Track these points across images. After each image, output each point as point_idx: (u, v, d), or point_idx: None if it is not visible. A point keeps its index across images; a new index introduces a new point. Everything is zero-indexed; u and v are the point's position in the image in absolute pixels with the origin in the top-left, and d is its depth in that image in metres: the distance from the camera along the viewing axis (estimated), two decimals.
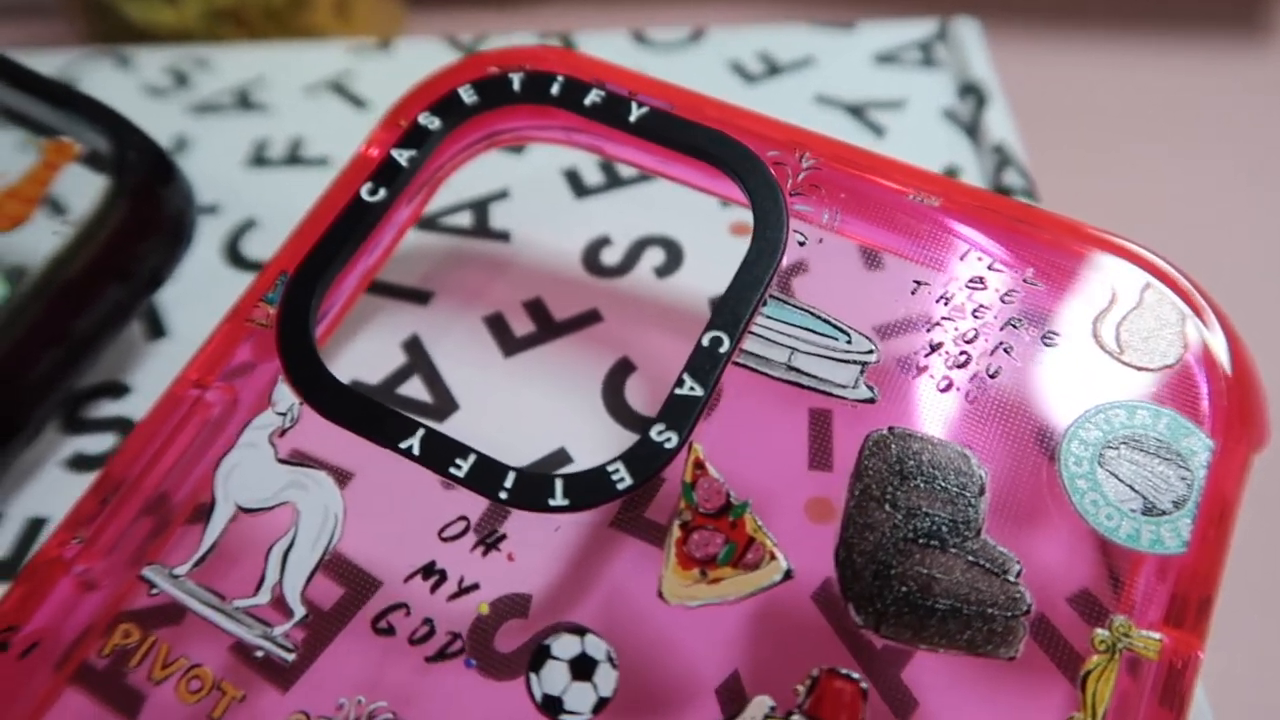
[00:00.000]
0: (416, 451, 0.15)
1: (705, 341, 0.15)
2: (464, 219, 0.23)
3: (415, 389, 0.20)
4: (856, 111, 0.26)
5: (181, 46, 0.30)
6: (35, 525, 0.18)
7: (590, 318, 0.21)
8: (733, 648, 0.15)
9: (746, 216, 0.23)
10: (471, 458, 0.15)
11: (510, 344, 0.20)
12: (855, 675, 0.13)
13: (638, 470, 0.14)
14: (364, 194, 0.17)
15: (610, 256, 0.22)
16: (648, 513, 0.16)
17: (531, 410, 0.19)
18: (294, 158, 0.25)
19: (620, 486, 0.14)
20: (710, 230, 0.23)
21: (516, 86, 0.18)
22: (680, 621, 0.14)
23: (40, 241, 0.18)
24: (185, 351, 0.21)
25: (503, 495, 0.14)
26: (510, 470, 0.15)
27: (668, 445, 0.15)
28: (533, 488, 0.14)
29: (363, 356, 0.20)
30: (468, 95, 0.18)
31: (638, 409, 0.19)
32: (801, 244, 0.16)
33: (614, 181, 0.24)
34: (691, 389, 0.15)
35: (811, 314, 0.16)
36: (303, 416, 0.16)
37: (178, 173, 0.19)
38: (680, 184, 0.19)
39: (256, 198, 0.24)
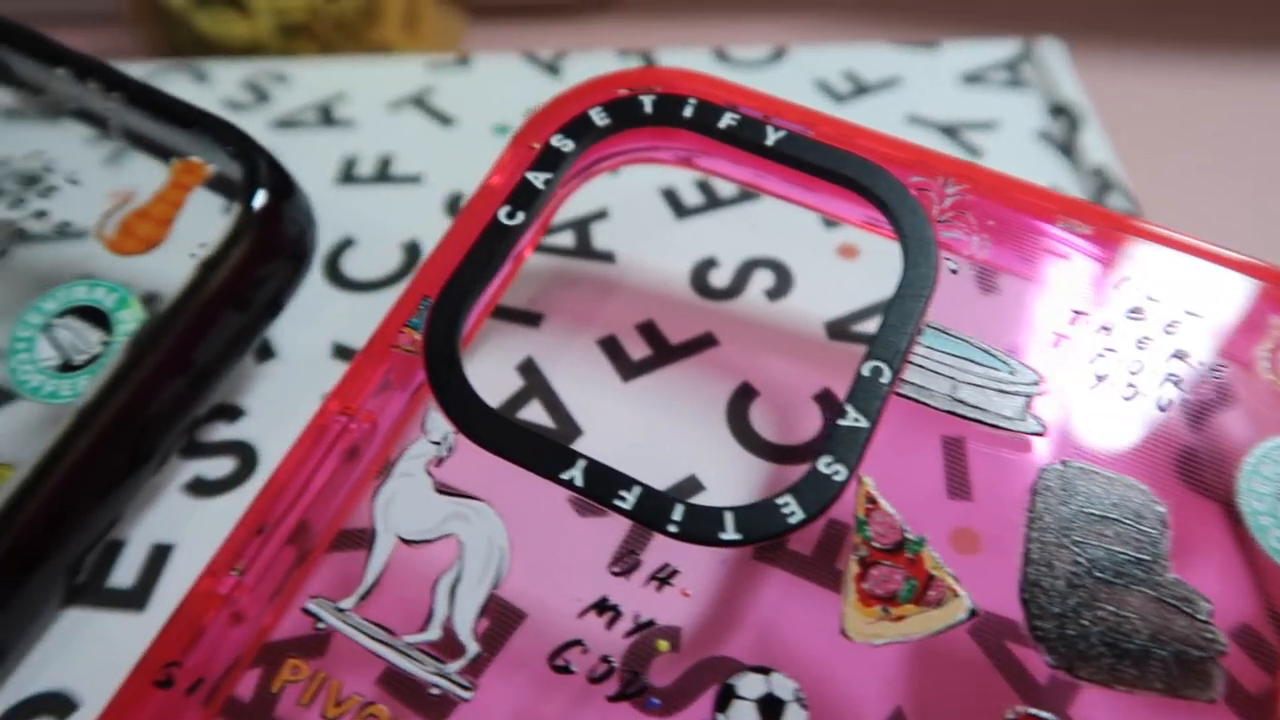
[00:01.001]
0: (580, 483, 0.14)
1: (865, 372, 0.15)
2: (566, 239, 0.23)
3: (536, 413, 0.19)
4: (950, 132, 0.26)
5: (257, 60, 0.29)
6: (161, 552, 0.18)
7: (705, 341, 0.21)
8: (893, 684, 0.14)
9: (853, 237, 0.23)
10: (636, 489, 0.14)
11: (627, 368, 0.20)
12: (1049, 716, 0.13)
13: (808, 503, 0.14)
14: (502, 217, 0.17)
15: (719, 279, 0.22)
16: (791, 544, 0.16)
17: (656, 436, 0.19)
18: (384, 175, 0.25)
19: (792, 520, 0.14)
20: (817, 252, 0.22)
21: (648, 109, 0.18)
22: (846, 657, 0.14)
23: (169, 263, 0.17)
24: (294, 373, 0.21)
25: (672, 529, 0.14)
26: (678, 503, 0.14)
27: (837, 478, 0.14)
28: (703, 521, 0.14)
29: (479, 380, 0.20)
30: (599, 117, 0.18)
31: (765, 436, 0.19)
32: (954, 272, 0.16)
33: (713, 202, 0.24)
34: (855, 420, 0.15)
35: (970, 344, 0.16)
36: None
37: (301, 194, 0.18)
38: (809, 209, 0.18)
39: (350, 216, 0.24)
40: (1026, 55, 0.28)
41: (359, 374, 0.16)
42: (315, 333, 0.21)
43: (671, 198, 0.24)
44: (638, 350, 0.20)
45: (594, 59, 0.29)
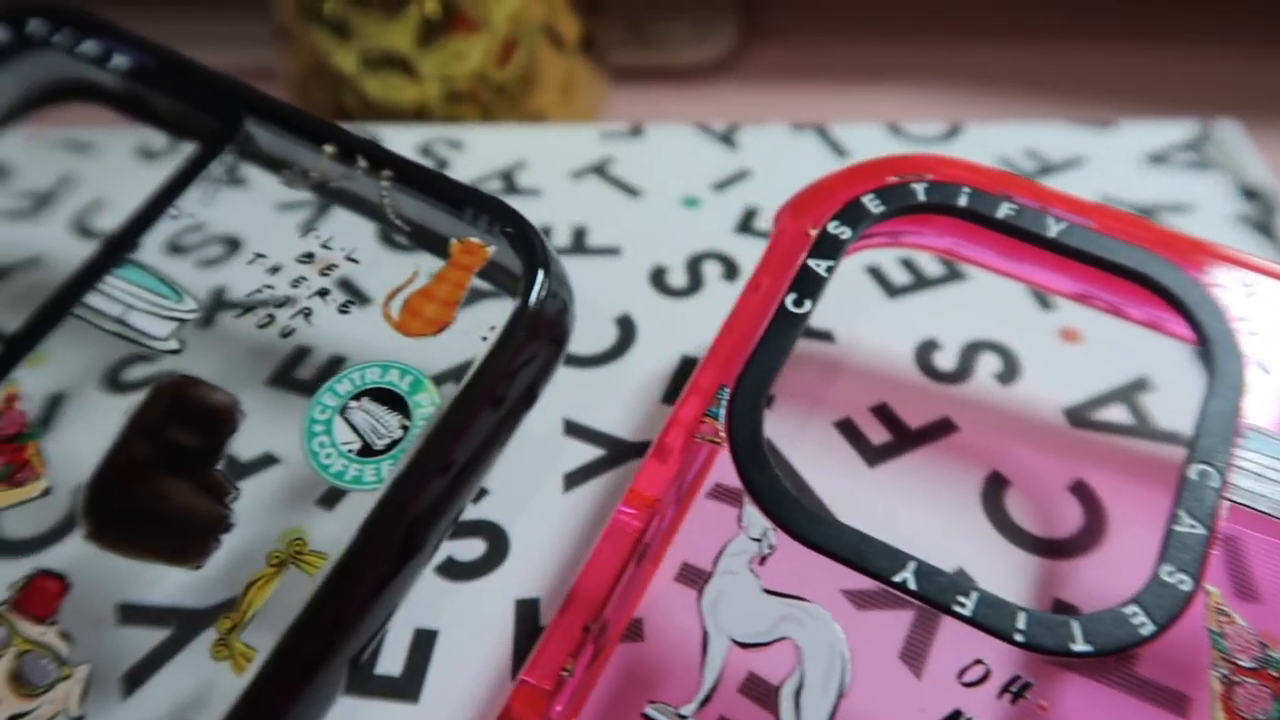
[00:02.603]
0: (913, 586, 0.14)
1: (1192, 475, 0.15)
2: None
3: None
4: (1146, 214, 0.26)
5: (428, 126, 0.29)
6: (424, 638, 0.17)
7: (944, 427, 0.20)
8: None
9: (1072, 320, 0.22)
10: (974, 595, 0.14)
11: (870, 453, 0.20)
12: None
13: (1157, 614, 0.14)
14: (789, 305, 0.17)
15: (944, 361, 0.22)
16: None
17: (914, 526, 0.19)
18: (581, 246, 0.25)
19: (1143, 632, 0.14)
20: (1038, 334, 0.22)
21: (921, 196, 0.18)
22: None
23: (439, 345, 0.17)
24: (531, 451, 0.20)
25: (1018, 638, 0.14)
26: (1020, 610, 0.14)
27: (1183, 588, 0.14)
28: (1050, 630, 0.14)
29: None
30: (873, 204, 0.18)
31: (1027, 528, 0.18)
32: (1265, 373, 0.16)
33: (921, 281, 0.24)
34: (1191, 526, 0.14)
35: None
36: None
37: (565, 278, 0.18)
38: (1085, 303, 0.18)
39: None
40: (1206, 136, 0.28)
41: (657, 465, 0.16)
42: (545, 409, 0.21)
43: (878, 275, 0.24)
44: (877, 435, 0.20)
45: (767, 132, 0.29)
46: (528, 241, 0.17)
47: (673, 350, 0.22)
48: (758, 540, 0.15)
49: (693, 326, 0.23)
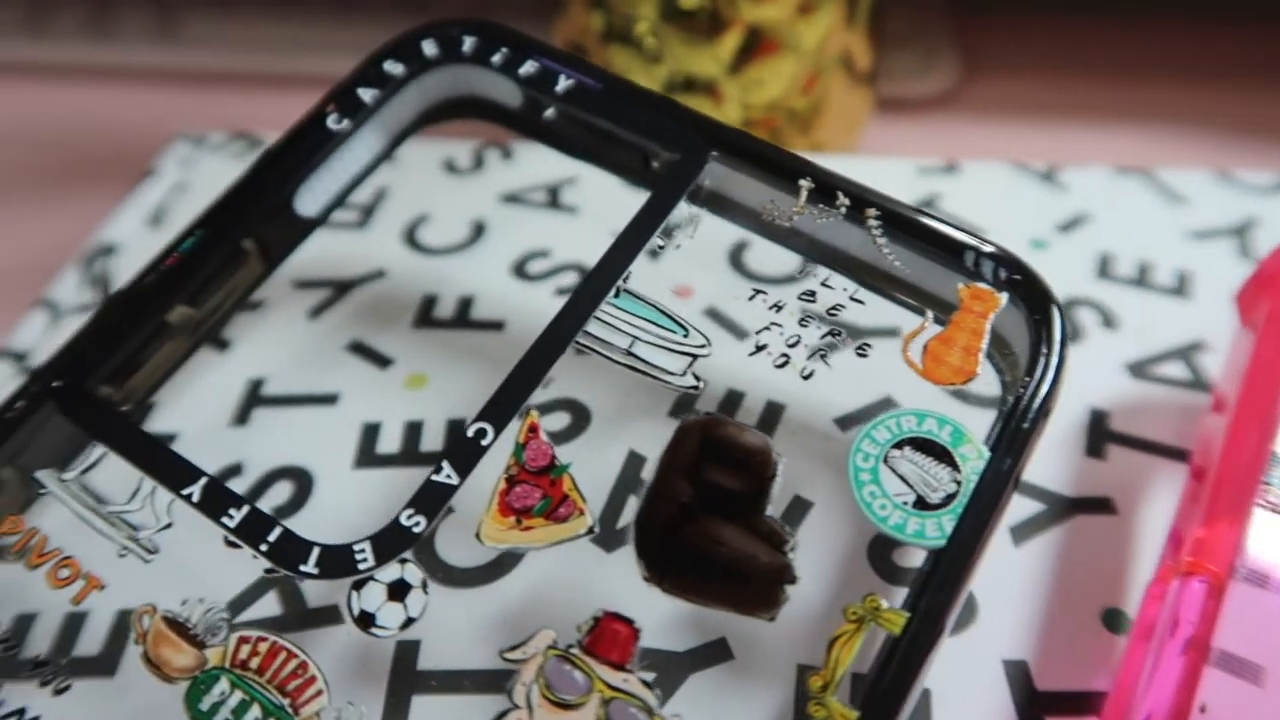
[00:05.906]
0: None
1: None
2: (1175, 370, 0.22)
3: None
4: None
5: None
6: (920, 696, 0.17)
7: None
8: None
9: None
10: None
11: None
12: None
13: None
14: None
15: None
16: None
17: None
18: None
19: None
20: None
21: None
22: None
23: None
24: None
25: None
26: None
27: None
28: None
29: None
30: None
31: None
32: None
33: None
34: None
35: None
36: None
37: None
38: None
39: None
40: None
41: (1227, 529, 0.15)
42: None
43: None
44: None
45: (1089, 173, 0.28)
46: (1040, 292, 0.17)
47: (1074, 401, 0.22)
48: None
49: (1088, 376, 0.22)
